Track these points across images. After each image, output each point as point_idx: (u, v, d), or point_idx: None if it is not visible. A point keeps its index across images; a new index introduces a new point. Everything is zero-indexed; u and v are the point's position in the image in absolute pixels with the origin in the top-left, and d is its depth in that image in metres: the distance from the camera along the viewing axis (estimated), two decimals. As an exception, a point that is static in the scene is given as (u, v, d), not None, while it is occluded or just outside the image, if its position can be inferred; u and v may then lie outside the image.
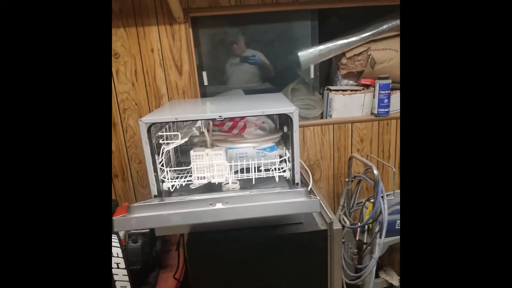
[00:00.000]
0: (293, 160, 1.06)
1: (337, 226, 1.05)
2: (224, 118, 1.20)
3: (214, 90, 1.62)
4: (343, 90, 1.61)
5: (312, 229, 1.04)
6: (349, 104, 1.61)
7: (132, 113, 1.50)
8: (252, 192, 0.82)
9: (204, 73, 1.53)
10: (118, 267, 1.20)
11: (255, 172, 1.11)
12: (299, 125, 1.60)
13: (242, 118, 1.17)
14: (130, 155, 1.56)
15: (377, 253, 1.27)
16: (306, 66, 1.59)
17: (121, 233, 1.28)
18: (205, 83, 1.53)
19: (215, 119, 1.00)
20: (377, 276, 1.75)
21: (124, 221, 0.75)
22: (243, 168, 1.14)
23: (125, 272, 1.21)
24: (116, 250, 1.20)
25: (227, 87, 1.65)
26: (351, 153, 1.63)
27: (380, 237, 1.29)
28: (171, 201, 0.81)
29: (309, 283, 1.09)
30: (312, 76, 1.61)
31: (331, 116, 1.65)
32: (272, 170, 1.12)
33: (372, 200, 1.31)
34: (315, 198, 0.81)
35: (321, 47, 1.52)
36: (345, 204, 1.57)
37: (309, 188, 1.28)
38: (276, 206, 0.77)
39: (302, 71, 1.66)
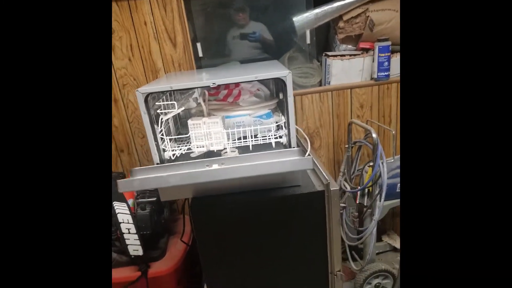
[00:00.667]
0: (288, 125, 1.08)
1: (333, 187, 1.08)
2: (219, 86, 1.22)
3: (210, 63, 1.62)
4: (341, 55, 1.59)
5: (309, 190, 1.07)
6: (348, 69, 1.59)
7: (131, 88, 1.52)
8: (249, 154, 0.85)
9: (199, 45, 1.53)
10: (129, 232, 1.27)
11: (252, 139, 1.14)
12: (297, 93, 1.61)
13: (237, 85, 1.18)
14: (133, 130, 1.60)
15: (377, 215, 1.30)
16: (302, 31, 1.57)
17: (130, 202, 1.34)
18: (200, 54, 1.53)
19: (209, 86, 1.01)
20: (380, 240, 1.80)
21: (128, 183, 0.80)
22: (241, 137, 1.17)
23: (136, 237, 1.28)
24: (127, 217, 1.27)
25: (224, 59, 1.65)
26: (351, 119, 1.63)
27: (380, 200, 1.31)
28: (170, 164, 0.85)
29: (309, 243, 1.14)
30: (308, 42, 1.59)
31: (329, 83, 1.64)
32: (269, 137, 1.15)
33: (371, 164, 1.32)
34: (308, 157, 0.83)
35: (317, 10, 1.49)
36: (346, 171, 1.59)
37: (306, 154, 1.31)
38: (269, 165, 0.80)
39: (298, 38, 1.64)
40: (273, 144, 1.12)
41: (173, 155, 1.12)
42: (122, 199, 1.27)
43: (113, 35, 1.44)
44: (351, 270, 1.55)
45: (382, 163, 1.27)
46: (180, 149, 1.15)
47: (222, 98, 1.17)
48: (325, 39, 1.80)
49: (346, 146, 1.57)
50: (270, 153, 0.84)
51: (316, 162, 1.25)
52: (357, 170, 1.60)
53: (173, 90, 1.09)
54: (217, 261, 1.17)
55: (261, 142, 1.17)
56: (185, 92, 1.28)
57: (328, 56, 1.62)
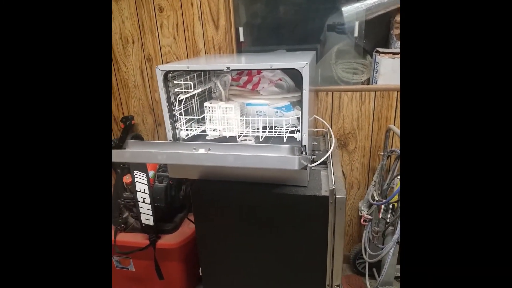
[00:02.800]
0: (301, 121, 1.00)
1: (340, 194, 0.98)
2: (241, 72, 1.19)
3: (251, 48, 1.59)
4: (393, 53, 1.41)
5: (313, 193, 1.00)
6: (398, 69, 1.41)
7: (172, 66, 1.59)
8: (237, 144, 0.82)
9: (241, 29, 1.51)
10: (143, 202, 1.36)
11: (264, 130, 1.09)
12: (335, 89, 1.49)
13: (259, 73, 1.14)
14: (171, 106, 1.67)
15: (396, 235, 1.15)
16: (351, 23, 1.43)
17: (151, 174, 1.42)
18: (241, 39, 1.51)
19: (222, 70, 0.99)
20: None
21: (120, 153, 0.84)
22: (261, 127, 1.13)
23: (149, 207, 1.36)
24: (144, 187, 1.35)
25: (267, 46, 1.61)
26: (394, 124, 1.45)
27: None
28: (162, 142, 0.86)
29: (307, 249, 1.07)
30: (356, 35, 1.44)
31: (376, 82, 1.48)
32: (284, 131, 1.09)
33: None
34: (299, 155, 0.76)
35: (369, 1, 1.34)
36: (378, 181, 1.44)
37: (328, 154, 1.21)
38: (253, 158, 0.75)
39: (349, 31, 1.50)
40: (284, 139, 1.06)
41: (187, 135, 1.14)
42: (143, 169, 1.35)
43: (162, 14, 1.51)
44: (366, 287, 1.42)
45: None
46: (196, 130, 1.17)
47: (242, 84, 1.15)
48: (385, 34, 1.62)
49: (381, 153, 1.41)
50: (258, 147, 0.79)
51: (331, 165, 1.15)
52: (392, 182, 1.43)
53: (190, 70, 1.10)
54: (213, 246, 1.17)
55: (275, 135, 1.12)
56: (210, 74, 1.28)
57: (379, 52, 1.45)
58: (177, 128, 1.14)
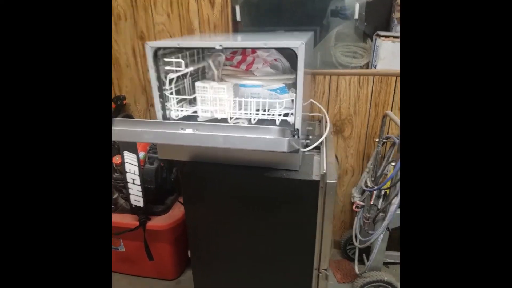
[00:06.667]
0: (295, 104, 0.97)
1: (331, 179, 0.96)
2: (236, 51, 1.15)
3: (248, 28, 1.53)
4: (394, 37, 1.37)
5: (304, 177, 0.98)
6: (398, 53, 1.37)
7: (166, 45, 1.53)
8: (226, 125, 0.79)
9: (237, 8, 1.45)
10: (133, 183, 1.34)
11: (258, 112, 1.06)
12: (333, 72, 1.45)
13: (253, 52, 1.10)
14: (164, 87, 1.63)
15: (386, 221, 1.14)
16: (351, 4, 1.38)
17: (141, 155, 1.39)
18: (238, 18, 1.46)
19: (214, 48, 0.95)
20: (399, 249, 1.62)
21: (105, 132, 0.81)
22: (259, 109, 1.09)
23: (139, 188, 1.34)
24: (133, 168, 1.33)
25: (265, 27, 1.55)
26: (391, 110, 1.42)
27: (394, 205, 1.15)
28: (149, 120, 0.83)
29: (296, 233, 1.06)
30: (356, 16, 1.39)
31: (375, 67, 1.44)
32: (276, 114, 1.05)
33: (394, 164, 1.15)
34: (289, 138, 0.74)
35: (371, -20, 1.28)
36: (372, 167, 1.42)
37: (322, 139, 1.19)
38: (241, 139, 0.73)
39: (350, 12, 1.45)
40: (277, 121, 1.03)
41: (177, 116, 1.11)
42: (133, 150, 1.32)
43: (155, -11, 1.45)
44: (355, 272, 1.43)
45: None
46: (187, 110, 1.13)
47: (236, 64, 1.11)
48: (387, 17, 1.56)
49: (377, 140, 1.39)
50: (249, 128, 0.77)
51: (324, 150, 1.13)
52: (386, 168, 1.41)
53: (182, 48, 1.06)
54: (202, 229, 1.16)
55: (269, 118, 1.08)
56: (204, 53, 1.23)
57: (380, 36, 1.41)
58: (167, 109, 1.11)
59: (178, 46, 0.99)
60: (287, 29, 1.54)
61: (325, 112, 1.40)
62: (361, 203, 1.41)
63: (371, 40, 1.52)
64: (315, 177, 0.97)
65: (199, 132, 0.77)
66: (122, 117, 1.62)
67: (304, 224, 1.03)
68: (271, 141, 0.71)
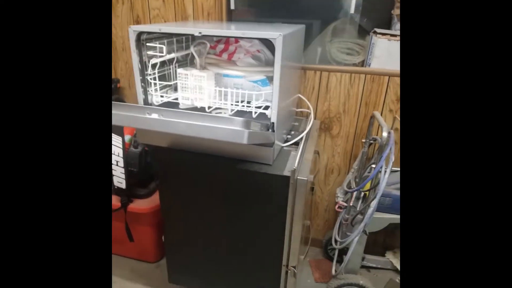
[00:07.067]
0: (272, 97, 0.96)
1: (302, 176, 0.95)
2: (220, 40, 1.14)
3: (243, 18, 1.51)
4: (391, 35, 1.33)
5: (275, 172, 0.97)
6: (394, 52, 1.33)
7: (160, 30, 1.53)
8: (191, 112, 0.78)
9: (232, -4, 1.43)
10: (117, 165, 1.35)
11: (236, 103, 1.05)
12: (324, 68, 1.42)
13: (236, 41, 1.08)
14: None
15: (362, 224, 1.13)
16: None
17: (127, 138, 1.41)
18: (232, 7, 1.44)
19: (193, 35, 0.95)
20: (383, 255, 1.60)
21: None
22: (243, 101, 1.08)
23: (122, 170, 1.36)
24: (118, 150, 1.34)
25: (261, 18, 1.53)
26: (381, 111, 1.39)
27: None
28: (121, 103, 0.84)
29: (265, 228, 1.06)
30: (352, 11, 1.35)
31: (369, 65, 1.40)
32: (256, 106, 1.04)
33: (374, 166, 1.12)
34: (250, 130, 0.73)
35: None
36: (358, 168, 1.40)
37: (302, 135, 1.17)
38: (204, 128, 0.72)
39: (345, 7, 1.41)
40: (253, 114, 1.02)
41: (157, 101, 1.11)
42: (119, 132, 1.33)
43: (152, -27, 1.44)
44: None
45: (386, 169, 1.07)
46: (169, 97, 1.13)
47: (219, 53, 1.09)
48: (388, 14, 1.51)
49: (363, 140, 1.36)
50: (214, 117, 0.76)
51: (302, 146, 1.11)
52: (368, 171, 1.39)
53: (165, 34, 1.05)
54: (175, 216, 1.17)
55: (247, 110, 1.07)
56: (193, 40, 1.22)
57: (376, 33, 1.37)
58: (149, 93, 1.11)
59: (159, 31, 0.99)
60: (285, 21, 1.51)
61: (311, 107, 1.38)
62: (344, 203, 1.39)
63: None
64: (286, 172, 0.96)
65: (162, 118, 0.77)
66: (113, 100, 1.64)
67: (273, 219, 1.03)
68: (231, 132, 0.70)
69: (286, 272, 1.09)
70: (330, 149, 1.51)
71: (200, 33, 0.94)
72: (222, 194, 1.07)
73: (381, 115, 1.38)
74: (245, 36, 0.91)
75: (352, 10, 1.36)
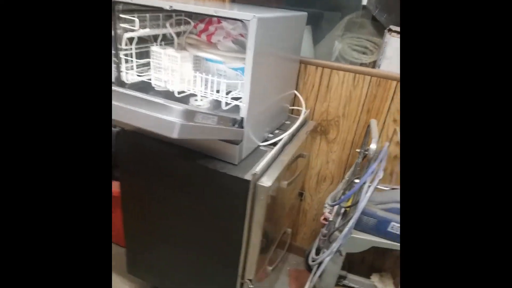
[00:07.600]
0: (244, 89, 0.84)
1: (263, 183, 0.83)
2: (203, 20, 1.03)
3: (247, 2, 1.38)
4: (406, 34, 1.15)
5: (235, 174, 0.85)
6: (406, 55, 1.15)
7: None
8: (130, 94, 0.68)
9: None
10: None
11: (211, 92, 0.94)
12: (326, 64, 1.27)
13: (219, 22, 0.96)
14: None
15: (336, 243, 0.99)
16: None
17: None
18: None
19: (162, 8, 0.84)
20: (369, 277, 1.45)
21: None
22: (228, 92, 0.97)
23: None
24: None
25: (272, 4, 1.39)
26: (384, 120, 1.22)
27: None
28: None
29: (224, 233, 0.95)
30: (364, 2, 1.19)
31: (379, 67, 1.24)
32: (233, 98, 0.93)
33: (357, 181, 0.98)
34: (185, 123, 0.62)
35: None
36: (348, 179, 1.25)
37: (284, 135, 1.05)
38: (136, 115, 0.62)
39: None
40: (223, 105, 0.91)
41: (128, 80, 1.02)
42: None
43: None
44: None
45: (369, 185, 0.92)
46: (143, 76, 1.04)
47: (198, 33, 0.98)
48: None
49: (358, 150, 1.21)
50: (153, 103, 0.65)
51: (278, 147, 0.98)
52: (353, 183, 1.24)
53: (138, 4, 0.95)
54: (135, 204, 1.09)
55: (221, 100, 0.96)
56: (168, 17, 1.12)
57: (391, 31, 1.20)
58: (121, 71, 1.03)
59: (130, 2, 0.89)
60: (295, 9, 1.37)
61: (303, 105, 1.24)
62: (330, 215, 1.26)
63: (388, 36, 1.30)
64: (248, 176, 0.84)
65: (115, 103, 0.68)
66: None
67: (231, 225, 0.92)
68: (161, 122, 0.60)
69: (242, 284, 0.99)
70: (324, 155, 1.37)
71: (170, 6, 0.84)
72: (182, 188, 0.97)
73: (383, 124, 1.22)
74: (217, 15, 0.79)
75: (364, 2, 1.19)
